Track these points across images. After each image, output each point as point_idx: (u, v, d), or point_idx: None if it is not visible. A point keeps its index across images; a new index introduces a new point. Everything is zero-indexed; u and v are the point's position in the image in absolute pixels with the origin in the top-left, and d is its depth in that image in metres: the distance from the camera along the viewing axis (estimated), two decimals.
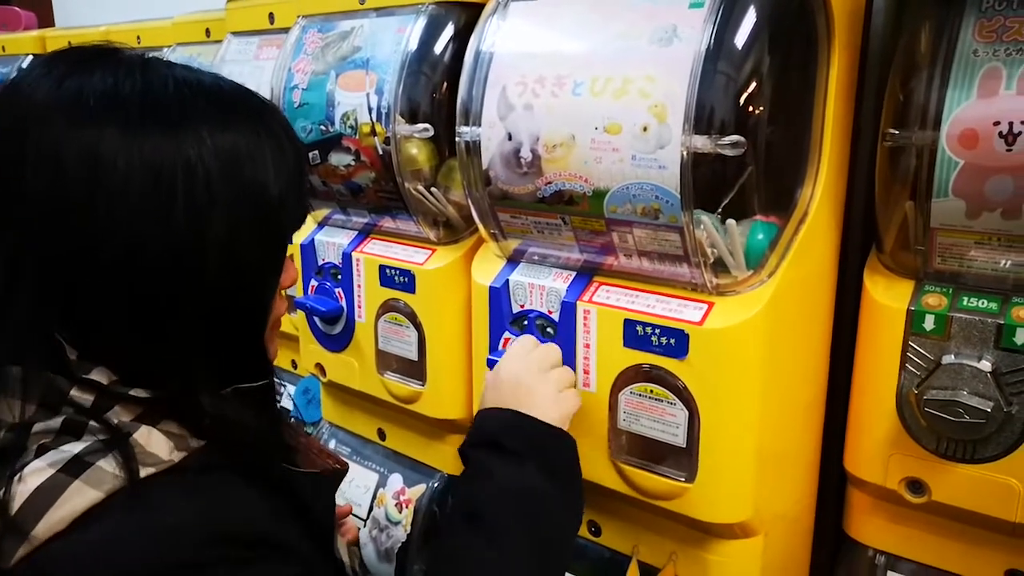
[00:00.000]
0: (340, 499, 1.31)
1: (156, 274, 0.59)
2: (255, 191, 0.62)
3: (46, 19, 2.98)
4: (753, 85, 0.78)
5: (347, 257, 1.18)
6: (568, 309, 0.92)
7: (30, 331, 0.60)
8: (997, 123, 0.75)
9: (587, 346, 0.91)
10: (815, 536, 1.05)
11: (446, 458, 1.19)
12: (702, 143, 0.75)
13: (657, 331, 0.85)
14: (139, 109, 0.59)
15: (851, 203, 0.96)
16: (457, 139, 0.94)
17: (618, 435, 0.92)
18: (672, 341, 0.84)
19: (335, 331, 1.22)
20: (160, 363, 0.62)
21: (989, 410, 0.78)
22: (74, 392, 0.60)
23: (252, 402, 0.67)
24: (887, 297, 0.85)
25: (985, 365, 0.80)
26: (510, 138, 0.88)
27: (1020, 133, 0.74)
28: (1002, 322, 0.79)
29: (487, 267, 1.01)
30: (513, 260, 1.00)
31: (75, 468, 0.57)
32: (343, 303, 1.20)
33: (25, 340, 0.60)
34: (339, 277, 1.19)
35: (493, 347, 1.00)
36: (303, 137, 1.13)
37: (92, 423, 0.60)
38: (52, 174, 0.58)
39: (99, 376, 0.60)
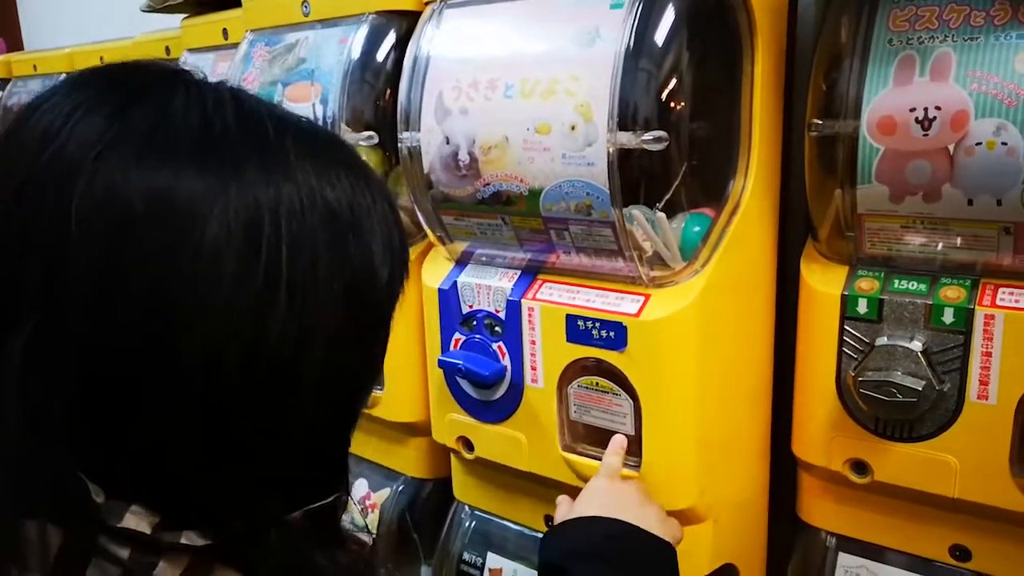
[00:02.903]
0: None
1: (243, 379, 0.43)
2: (363, 274, 0.47)
3: (15, 43, 2.99)
4: (674, 81, 0.80)
5: None
6: (513, 307, 0.93)
7: (56, 468, 0.43)
8: (913, 109, 0.77)
9: (533, 342, 0.93)
10: (773, 521, 1.06)
11: (408, 462, 1.21)
12: (626, 139, 0.77)
13: (597, 325, 0.87)
14: (237, 153, 0.44)
15: (790, 194, 0.98)
16: (399, 145, 0.95)
17: (572, 426, 0.94)
18: (611, 334, 0.86)
19: None
20: (224, 496, 0.46)
21: (921, 388, 0.80)
22: (105, 546, 0.43)
23: (318, 522, 0.51)
24: (822, 283, 0.87)
25: (916, 345, 0.82)
26: (448, 142, 0.90)
27: (935, 118, 0.76)
28: (931, 302, 0.81)
29: (437, 270, 1.03)
30: (461, 262, 1.02)
31: None
32: None
33: (46, 482, 0.43)
34: None
35: (445, 347, 1.01)
36: None
37: None
38: (107, 239, 0.41)
39: (137, 523, 0.43)
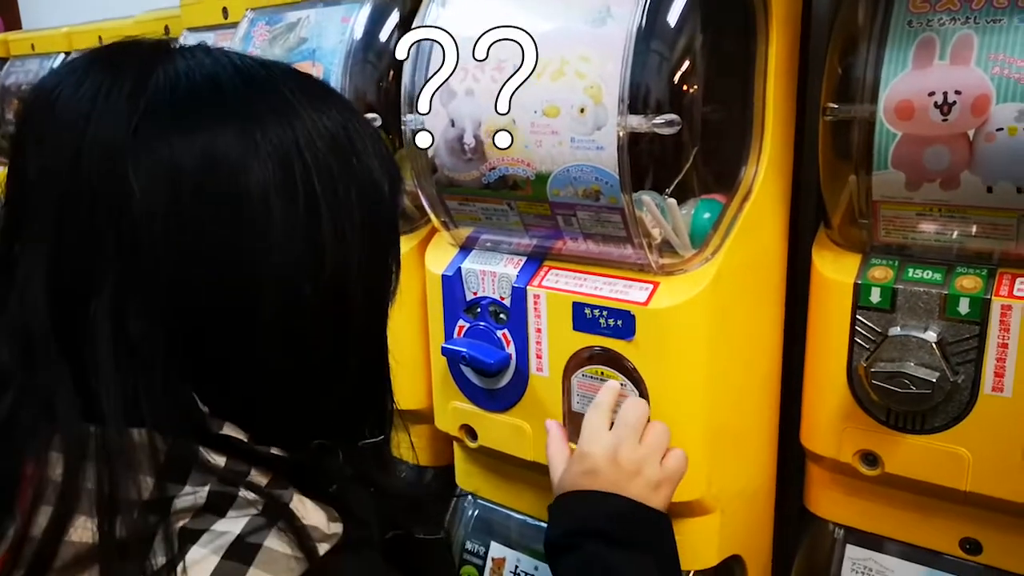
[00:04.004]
0: None
1: (310, 295, 0.50)
2: (370, 187, 0.53)
3: (13, 23, 2.95)
4: (687, 63, 0.77)
5: None
6: (518, 294, 0.91)
7: (163, 389, 0.48)
8: (932, 93, 0.75)
9: (538, 330, 0.91)
10: (780, 513, 1.05)
11: (410, 448, 1.19)
12: (637, 123, 0.75)
13: (605, 313, 0.85)
14: (248, 101, 0.50)
15: (803, 180, 0.96)
16: (403, 128, 0.93)
17: (573, 418, 0.92)
18: (619, 322, 0.84)
19: None
20: (299, 415, 0.53)
21: (935, 380, 0.79)
22: (204, 454, 0.49)
23: (374, 459, 0.59)
24: (835, 272, 0.86)
25: (930, 336, 0.80)
26: (453, 124, 0.88)
27: (954, 103, 0.74)
28: (946, 292, 0.80)
29: (440, 255, 1.01)
30: (466, 248, 1.00)
31: (243, 552, 0.46)
32: None
33: (155, 396, 0.48)
34: None
35: (448, 335, 1.00)
36: None
37: (242, 494, 0.48)
38: (169, 199, 0.47)
39: (234, 434, 0.50)
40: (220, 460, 0.49)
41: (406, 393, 1.12)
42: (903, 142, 0.78)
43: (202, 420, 0.50)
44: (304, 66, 1.06)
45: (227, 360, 0.51)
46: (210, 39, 1.41)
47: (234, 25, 1.30)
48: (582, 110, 0.78)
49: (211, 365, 0.50)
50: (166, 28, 1.69)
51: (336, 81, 1.02)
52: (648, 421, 0.81)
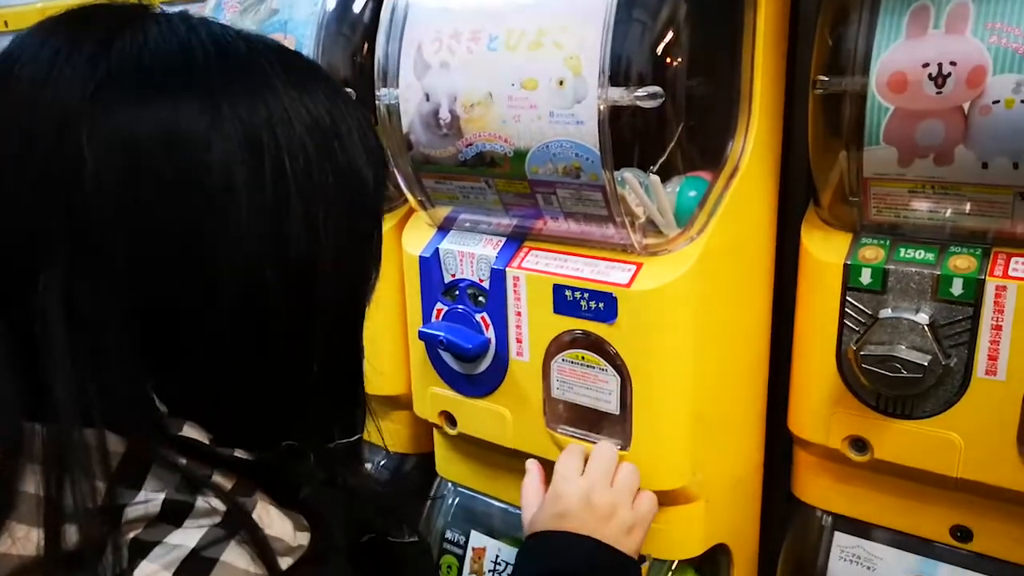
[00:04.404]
0: None
1: (274, 281, 0.46)
2: (351, 177, 0.50)
3: None
4: (670, 33, 0.74)
5: None
6: (498, 276, 0.88)
7: (118, 381, 0.44)
8: (926, 65, 0.72)
9: (518, 314, 0.88)
10: (767, 500, 1.03)
11: (390, 436, 1.16)
12: (618, 95, 0.72)
13: (586, 295, 0.82)
14: (220, 74, 0.46)
15: (791, 157, 0.93)
16: (377, 102, 0.89)
17: (553, 404, 0.89)
18: (601, 305, 0.81)
19: None
20: (265, 414, 0.49)
21: (927, 364, 0.77)
22: (162, 456, 0.45)
23: (346, 461, 0.55)
24: (824, 252, 0.83)
25: (922, 318, 0.78)
26: (428, 99, 0.84)
27: (949, 75, 0.71)
28: (939, 273, 0.77)
29: (418, 236, 0.98)
30: (444, 228, 0.96)
31: (198, 568, 0.42)
32: None
33: (108, 391, 0.44)
34: None
35: (426, 318, 0.96)
36: None
37: (200, 502, 0.44)
38: (124, 172, 0.43)
39: (195, 434, 0.46)
40: (180, 463, 0.45)
41: (385, 379, 1.09)
42: (895, 116, 0.75)
43: (160, 419, 0.46)
44: (275, 38, 1.02)
45: (187, 352, 0.47)
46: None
47: None
48: (561, 82, 0.74)
49: (170, 357, 0.46)
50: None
51: (308, 54, 0.98)
52: (618, 463, 0.82)
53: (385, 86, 0.88)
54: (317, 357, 0.50)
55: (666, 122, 0.78)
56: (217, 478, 0.46)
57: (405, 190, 0.94)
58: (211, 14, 1.12)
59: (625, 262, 0.81)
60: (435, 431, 1.06)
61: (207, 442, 0.46)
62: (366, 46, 0.98)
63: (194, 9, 1.32)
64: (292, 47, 1.00)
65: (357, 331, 0.55)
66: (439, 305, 0.95)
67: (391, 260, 1.03)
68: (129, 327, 0.44)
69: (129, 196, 0.43)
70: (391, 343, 1.06)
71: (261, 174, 0.45)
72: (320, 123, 0.48)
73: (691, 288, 0.79)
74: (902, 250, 0.80)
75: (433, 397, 0.99)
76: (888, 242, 0.81)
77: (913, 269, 0.78)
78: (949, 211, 0.78)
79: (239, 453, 0.47)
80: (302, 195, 0.47)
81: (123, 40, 0.45)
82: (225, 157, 0.44)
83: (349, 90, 0.96)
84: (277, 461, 0.49)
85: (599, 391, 0.85)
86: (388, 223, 1.05)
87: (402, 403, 1.10)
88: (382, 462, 1.17)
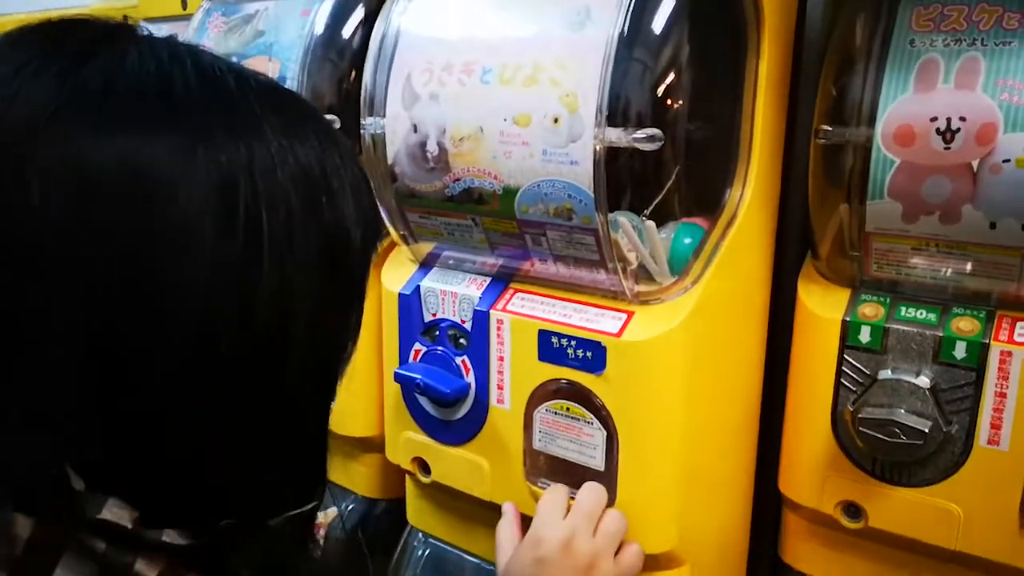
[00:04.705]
0: None
1: (233, 347, 0.41)
2: (337, 238, 0.45)
3: None
4: (672, 74, 0.71)
5: None
6: (480, 318, 0.84)
7: (31, 454, 0.39)
8: (934, 119, 0.70)
9: (501, 359, 0.84)
10: (750, 562, 0.98)
11: (360, 479, 1.11)
12: (616, 136, 0.68)
13: (573, 343, 0.78)
14: (201, 111, 0.41)
15: (789, 206, 0.90)
16: (361, 131, 0.86)
17: (534, 456, 0.84)
18: (589, 354, 0.77)
19: None
20: (208, 493, 0.44)
21: (927, 430, 0.73)
22: (77, 542, 0.39)
23: (296, 528, 0.49)
24: (821, 307, 0.80)
25: (923, 381, 0.75)
26: (415, 130, 0.80)
27: (958, 130, 0.69)
28: (941, 334, 0.74)
29: (398, 272, 0.93)
30: (426, 265, 0.92)
31: None
32: None
33: (19, 468, 0.39)
34: None
35: (403, 359, 0.92)
36: None
37: None
38: (70, 205, 0.38)
39: (117, 516, 0.40)
40: (99, 547, 0.39)
41: (357, 419, 1.04)
42: (901, 170, 0.72)
43: (76, 497, 0.39)
44: (260, 61, 0.98)
45: (119, 413, 0.40)
46: (165, 30, 1.33)
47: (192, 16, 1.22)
48: (556, 120, 0.71)
49: (99, 417, 0.40)
50: (124, 18, 1.61)
51: (293, 79, 0.94)
52: (605, 508, 0.78)
53: (371, 115, 0.84)
54: (275, 432, 0.45)
55: (663, 165, 0.74)
56: (140, 566, 0.40)
57: (387, 223, 0.90)
58: (194, 33, 1.09)
59: (616, 310, 0.77)
60: (408, 477, 1.00)
61: (130, 524, 0.40)
62: (354, 73, 0.95)
63: (178, 27, 1.29)
64: (276, 72, 0.96)
65: (324, 405, 0.49)
66: (417, 345, 0.90)
67: (370, 295, 0.98)
68: (60, 386, 0.39)
69: (72, 232, 0.38)
70: (365, 382, 1.01)
71: (232, 226, 0.40)
72: (309, 175, 0.43)
73: (685, 340, 0.75)
74: (903, 309, 0.77)
75: (407, 442, 0.93)
76: (888, 300, 0.78)
77: (914, 329, 0.75)
78: (953, 271, 0.75)
79: (168, 536, 0.41)
80: (277, 253, 0.41)
81: (97, 60, 0.41)
82: (193, 204, 0.39)
83: (333, 118, 0.92)
84: (214, 544, 0.43)
85: (583, 445, 0.80)
86: None
87: (374, 445, 1.04)
88: (351, 506, 1.11)
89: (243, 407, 0.43)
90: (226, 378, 0.42)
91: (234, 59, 1.02)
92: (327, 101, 0.95)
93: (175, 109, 0.41)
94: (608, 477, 0.79)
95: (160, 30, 1.37)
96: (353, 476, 1.11)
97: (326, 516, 1.12)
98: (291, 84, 0.94)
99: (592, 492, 0.78)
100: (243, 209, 0.40)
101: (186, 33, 1.11)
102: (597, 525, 0.76)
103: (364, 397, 1.02)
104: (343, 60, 0.95)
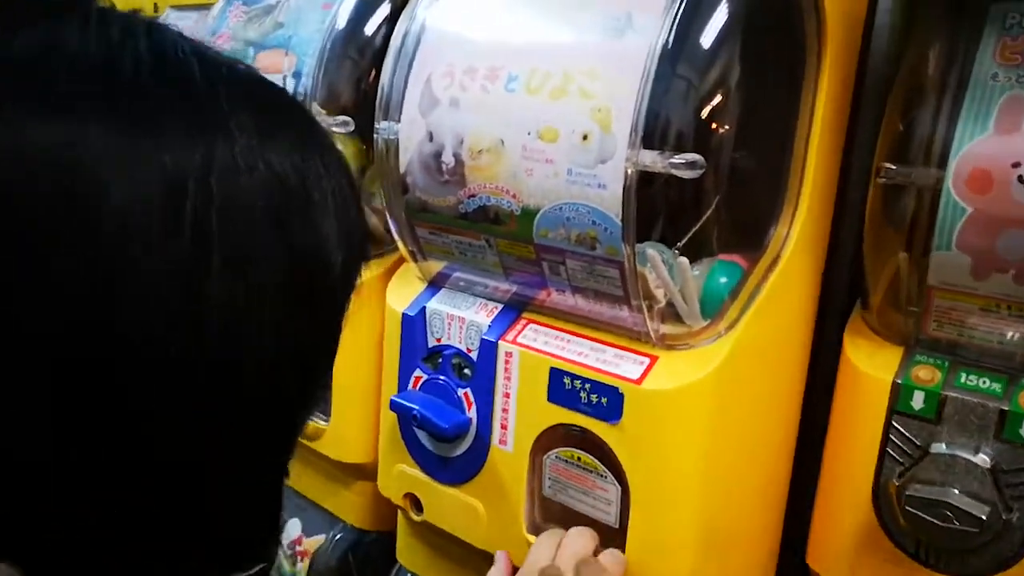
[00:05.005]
0: None
1: (173, 373, 0.35)
2: (313, 259, 0.39)
3: None
4: (719, 95, 0.63)
5: None
6: (488, 348, 0.76)
7: None
8: (1017, 164, 0.62)
9: (507, 395, 0.76)
10: None
11: (351, 507, 1.03)
12: (651, 159, 0.60)
13: (588, 386, 0.70)
14: (152, 99, 0.35)
15: (837, 249, 0.82)
16: (375, 136, 0.79)
17: (545, 505, 0.76)
18: (604, 400, 0.69)
19: None
20: (135, 555, 0.37)
21: (984, 517, 0.65)
22: None
23: None
24: (870, 365, 0.71)
25: (982, 459, 0.67)
26: (431, 138, 0.73)
27: None
28: (1006, 408, 0.66)
29: (405, 290, 0.86)
30: (435, 284, 0.85)
31: None
32: None
33: None
34: None
35: (403, 385, 0.84)
36: None
37: None
38: None
39: None
40: None
41: (350, 444, 0.97)
42: (974, 220, 0.64)
43: None
44: (276, 55, 0.92)
45: (33, 464, 0.33)
46: (191, 19, 1.28)
47: None
48: (585, 137, 0.63)
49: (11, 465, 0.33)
50: (155, 6, 1.58)
51: (309, 75, 0.88)
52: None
53: (386, 119, 0.77)
54: (212, 484, 0.38)
55: (702, 195, 0.67)
56: None
57: (396, 237, 0.83)
58: (213, 21, 1.03)
59: (637, 352, 0.69)
60: (400, 511, 0.93)
61: None
62: (373, 72, 0.88)
63: (198, 16, 1.23)
64: (292, 67, 0.90)
65: (282, 450, 0.41)
66: (418, 372, 0.83)
67: (371, 312, 0.91)
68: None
69: None
70: (360, 406, 0.94)
71: (176, 237, 0.33)
72: (284, 182, 0.37)
73: (713, 393, 0.67)
74: (963, 375, 0.69)
75: (400, 475, 0.86)
76: (947, 363, 0.70)
77: (975, 399, 0.67)
78: (1021, 335, 0.66)
79: None
80: (232, 273, 0.35)
81: (34, 32, 0.35)
82: (131, 204, 0.33)
83: (346, 120, 0.85)
84: None
85: (596, 499, 0.72)
86: (375, 271, 0.94)
87: (367, 472, 0.97)
88: (338, 535, 1.04)
89: (180, 448, 0.36)
90: (161, 411, 0.35)
91: (251, 51, 0.96)
92: (343, 101, 0.89)
93: (118, 94, 0.34)
94: (623, 534, 0.71)
95: (185, 18, 1.33)
96: (343, 504, 1.04)
97: (312, 544, 1.05)
98: (306, 81, 0.88)
99: (580, 536, 0.71)
100: (189, 216, 0.34)
101: (206, 21, 1.06)
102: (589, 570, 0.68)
103: (360, 421, 0.95)
104: (363, 58, 0.88)
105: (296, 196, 0.37)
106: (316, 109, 0.88)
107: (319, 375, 0.42)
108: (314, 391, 0.42)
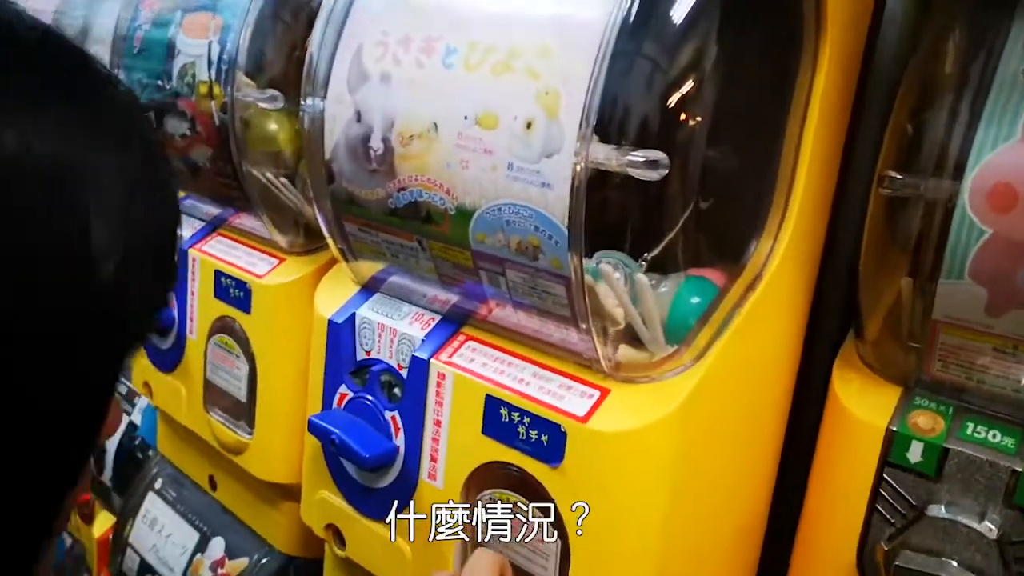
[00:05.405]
0: (153, 556, 1.05)
1: None
2: (71, 262, 0.32)
3: None
4: (691, 80, 0.53)
5: (183, 255, 0.92)
6: (419, 367, 0.66)
7: None
8: None
9: (438, 423, 0.65)
10: None
11: (278, 530, 0.93)
12: (604, 155, 0.50)
13: (527, 420, 0.59)
14: None
15: (831, 269, 0.72)
16: (301, 114, 0.68)
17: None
18: (544, 438, 0.58)
19: (165, 345, 0.96)
20: None
21: None
22: None
23: None
24: (861, 406, 0.63)
25: (988, 528, 0.58)
26: (359, 119, 0.63)
27: None
28: (1019, 468, 0.56)
29: (335, 294, 0.76)
30: (369, 289, 0.74)
31: None
32: (175, 312, 0.94)
33: None
34: None
35: (327, 402, 0.74)
36: (139, 94, 0.86)
37: None
38: None
39: None
40: None
41: (275, 463, 0.87)
42: (992, 244, 0.54)
43: None
44: (202, 18, 0.81)
45: None
46: None
47: None
48: (529, 125, 0.53)
49: None
50: None
51: (236, 42, 0.77)
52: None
53: (312, 94, 0.66)
54: None
55: (669, 199, 0.56)
56: None
57: (324, 231, 0.72)
58: None
59: (587, 383, 0.59)
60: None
61: None
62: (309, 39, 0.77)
63: None
64: (218, 30, 0.79)
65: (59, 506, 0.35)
66: (343, 388, 0.72)
67: (302, 316, 0.81)
68: None
69: None
70: (286, 420, 0.84)
71: None
72: (39, 167, 0.30)
73: (675, 437, 0.56)
74: (970, 425, 0.60)
75: (321, 504, 0.76)
76: (951, 410, 0.61)
77: (983, 455, 0.58)
78: None
79: None
80: None
81: None
82: None
83: (275, 94, 0.75)
84: None
85: (534, 553, 0.61)
86: (305, 268, 0.83)
87: (294, 494, 0.87)
88: (263, 560, 0.94)
89: None
90: None
91: (178, 14, 0.85)
92: (273, 72, 0.78)
93: None
94: None
95: None
96: (268, 526, 0.94)
97: (235, 567, 0.94)
98: (231, 47, 0.77)
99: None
100: None
101: None
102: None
103: (285, 437, 0.85)
104: (298, 22, 0.78)
105: (52, 183, 0.31)
106: (241, 79, 0.77)
107: (90, 432, 0.34)
108: (87, 451, 0.34)
